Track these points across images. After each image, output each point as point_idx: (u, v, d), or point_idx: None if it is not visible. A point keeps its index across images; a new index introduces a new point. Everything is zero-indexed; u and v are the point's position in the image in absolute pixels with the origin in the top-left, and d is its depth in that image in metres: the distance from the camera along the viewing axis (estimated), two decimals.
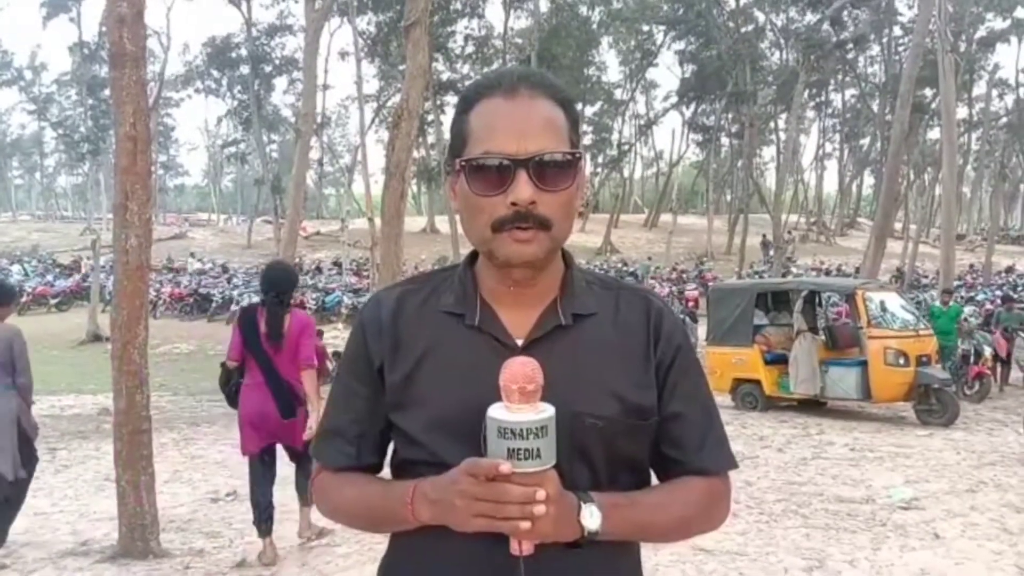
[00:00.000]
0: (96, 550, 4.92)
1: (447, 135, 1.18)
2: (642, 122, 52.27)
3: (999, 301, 16.25)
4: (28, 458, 4.79)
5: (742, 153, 39.34)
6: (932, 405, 9.42)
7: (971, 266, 32.22)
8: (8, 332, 4.68)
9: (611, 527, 1.02)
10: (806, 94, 39.14)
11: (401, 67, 22.37)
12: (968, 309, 17.42)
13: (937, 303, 13.83)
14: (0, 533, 4.75)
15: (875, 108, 42.44)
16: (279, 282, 4.53)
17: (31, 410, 4.86)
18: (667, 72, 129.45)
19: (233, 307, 23.75)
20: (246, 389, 4.51)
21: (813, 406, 10.47)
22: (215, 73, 43.50)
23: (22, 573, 4.52)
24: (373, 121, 39.62)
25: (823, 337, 10.54)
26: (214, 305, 24.55)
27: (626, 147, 49.42)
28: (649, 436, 1.13)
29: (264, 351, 4.43)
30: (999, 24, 40.13)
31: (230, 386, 4.67)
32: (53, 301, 26.33)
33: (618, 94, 47.92)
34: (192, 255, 36.34)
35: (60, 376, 13.81)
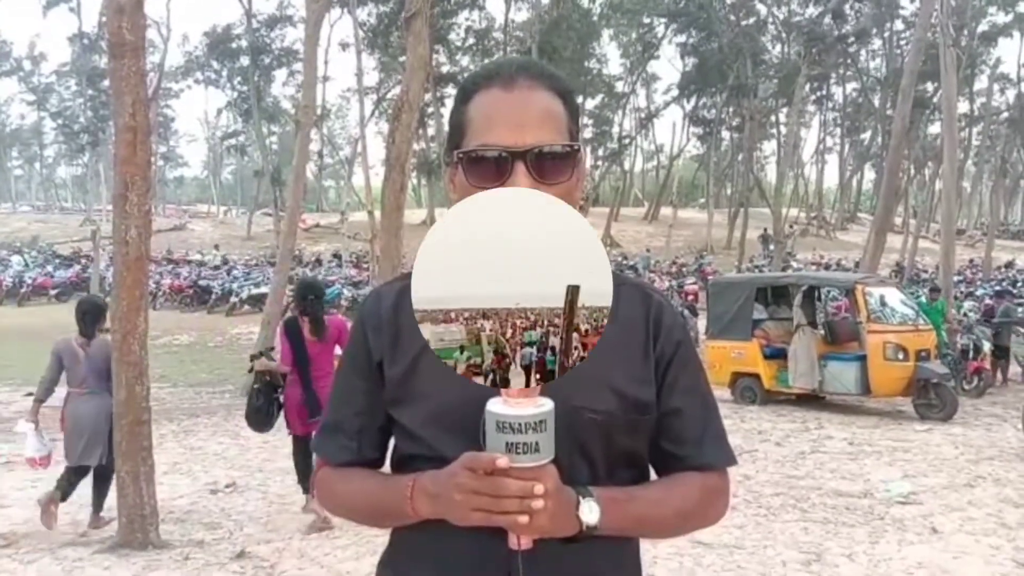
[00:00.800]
0: (95, 541, 4.94)
1: (447, 127, 1.17)
2: (643, 115, 52.06)
3: (995, 297, 16.27)
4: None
5: (743, 147, 39.24)
6: (931, 400, 9.42)
7: (971, 261, 32.17)
8: (107, 345, 5.26)
9: (609, 522, 1.01)
10: (807, 88, 39.00)
11: (401, 59, 22.29)
12: (968, 304, 17.42)
13: (923, 299, 13.83)
14: (97, 504, 5.31)
15: (876, 102, 42.36)
16: (315, 287, 5.66)
17: None
18: (668, 65, 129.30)
19: (233, 299, 23.69)
20: (291, 385, 5.30)
21: (812, 400, 10.47)
22: (215, 64, 43.37)
23: (21, 563, 4.53)
24: (373, 113, 39.50)
25: (822, 331, 10.53)
26: (214, 297, 24.45)
27: (626, 140, 49.26)
28: (648, 431, 1.13)
29: (307, 357, 5.24)
30: (1001, 18, 40.16)
31: (252, 408, 5.41)
32: (53, 292, 26.28)
33: (619, 87, 47.73)
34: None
35: None
